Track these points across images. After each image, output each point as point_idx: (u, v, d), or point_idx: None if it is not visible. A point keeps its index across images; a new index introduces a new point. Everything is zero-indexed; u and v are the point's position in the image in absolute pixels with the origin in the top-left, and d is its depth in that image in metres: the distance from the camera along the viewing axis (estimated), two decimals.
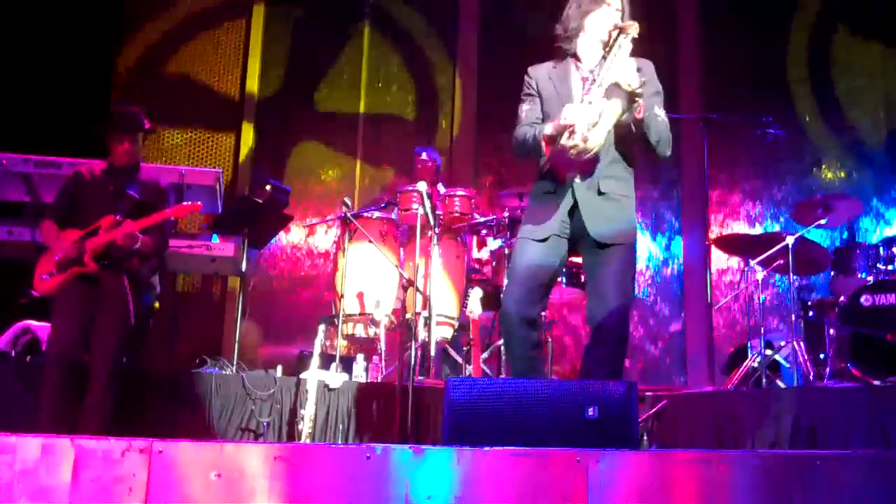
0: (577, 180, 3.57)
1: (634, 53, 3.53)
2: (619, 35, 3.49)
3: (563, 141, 3.39)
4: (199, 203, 4.76)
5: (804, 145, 7.70)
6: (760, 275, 5.69)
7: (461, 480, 2.37)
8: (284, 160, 8.18)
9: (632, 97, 3.37)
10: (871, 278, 5.38)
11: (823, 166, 7.75)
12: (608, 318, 3.53)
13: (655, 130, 3.52)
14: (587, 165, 3.53)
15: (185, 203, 4.76)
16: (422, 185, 5.28)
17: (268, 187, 5.82)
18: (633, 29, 3.50)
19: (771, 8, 7.80)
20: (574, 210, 3.59)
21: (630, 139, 3.58)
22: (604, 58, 3.52)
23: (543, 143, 3.53)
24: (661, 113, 3.57)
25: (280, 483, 2.38)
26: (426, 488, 2.36)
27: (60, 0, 7.41)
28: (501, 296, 3.74)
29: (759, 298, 5.70)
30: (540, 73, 3.77)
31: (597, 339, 3.58)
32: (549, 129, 3.51)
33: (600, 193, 3.58)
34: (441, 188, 6.22)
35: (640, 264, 7.99)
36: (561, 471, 2.36)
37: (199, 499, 2.37)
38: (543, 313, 4.64)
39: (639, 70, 3.46)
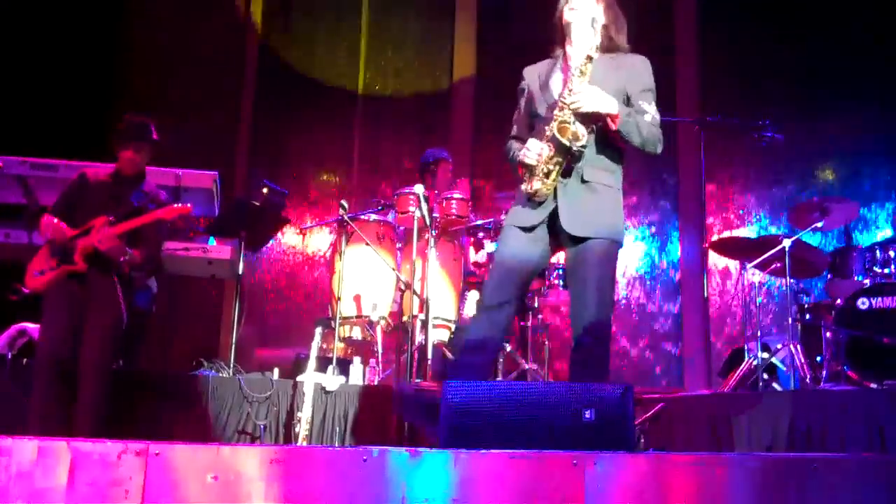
0: None
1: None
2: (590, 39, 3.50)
3: (523, 185, 3.53)
4: (188, 205, 4.71)
5: (801, 148, 7.70)
6: (757, 278, 5.69)
7: (458, 483, 2.37)
8: (281, 161, 8.19)
9: (575, 146, 3.44)
10: (867, 281, 5.39)
11: (820, 169, 7.76)
12: (586, 318, 3.48)
13: (638, 133, 3.51)
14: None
15: (175, 205, 4.71)
16: (418, 188, 5.28)
17: (265, 190, 5.82)
18: (584, 20, 3.52)
19: (768, 12, 7.81)
20: (556, 203, 3.53)
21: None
22: (578, 71, 3.50)
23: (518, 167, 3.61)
24: (649, 109, 3.56)
25: (276, 485, 2.38)
26: (423, 491, 2.36)
27: (61, 3, 7.41)
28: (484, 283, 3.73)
29: (755, 301, 5.70)
30: (531, 72, 3.78)
31: (577, 341, 3.52)
32: (520, 155, 3.55)
33: (583, 181, 3.52)
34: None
35: (636, 266, 8.00)
36: (558, 473, 2.36)
37: (195, 501, 2.37)
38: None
39: (613, 59, 3.56)
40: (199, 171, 6.28)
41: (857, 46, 7.54)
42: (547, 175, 3.46)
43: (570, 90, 3.46)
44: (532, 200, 3.56)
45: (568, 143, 3.41)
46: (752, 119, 6.06)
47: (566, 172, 3.51)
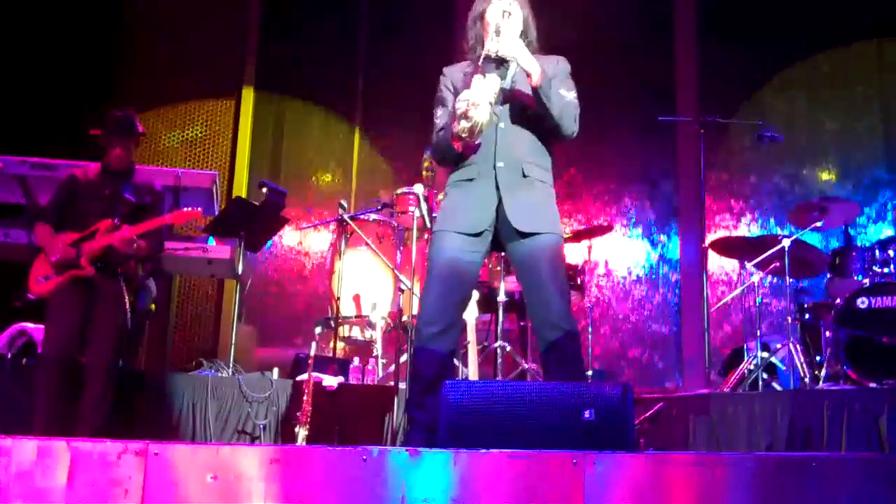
0: (500, 164, 3.49)
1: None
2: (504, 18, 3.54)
3: (462, 124, 3.36)
4: (199, 209, 4.76)
5: (800, 148, 7.70)
6: (757, 277, 5.69)
7: (458, 483, 2.37)
8: (281, 161, 8.19)
9: (501, 61, 3.45)
10: (867, 281, 5.39)
11: (819, 169, 7.76)
12: (552, 316, 3.43)
13: (557, 104, 3.49)
14: (509, 150, 3.52)
15: (184, 209, 4.76)
16: (418, 188, 5.28)
17: (264, 189, 5.82)
18: (514, 6, 3.56)
19: (767, 12, 7.81)
20: (499, 198, 3.48)
21: (541, 119, 3.53)
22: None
23: (454, 142, 3.49)
24: (567, 94, 3.56)
25: (276, 485, 2.38)
26: (422, 491, 2.36)
27: (59, 2, 7.41)
28: (419, 297, 3.56)
29: (755, 301, 5.70)
30: (454, 71, 3.74)
31: (547, 341, 3.45)
32: (455, 114, 3.44)
33: (524, 176, 3.50)
34: None
35: (635, 266, 8.00)
36: (557, 473, 2.36)
37: (195, 501, 2.37)
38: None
39: (538, 58, 3.51)
40: (198, 170, 6.29)
41: (856, 44, 7.55)
42: (482, 102, 3.35)
43: (499, 26, 3.48)
44: (470, 195, 3.51)
45: (494, 54, 3.43)
46: (751, 119, 6.06)
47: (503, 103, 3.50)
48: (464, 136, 3.37)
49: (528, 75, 3.47)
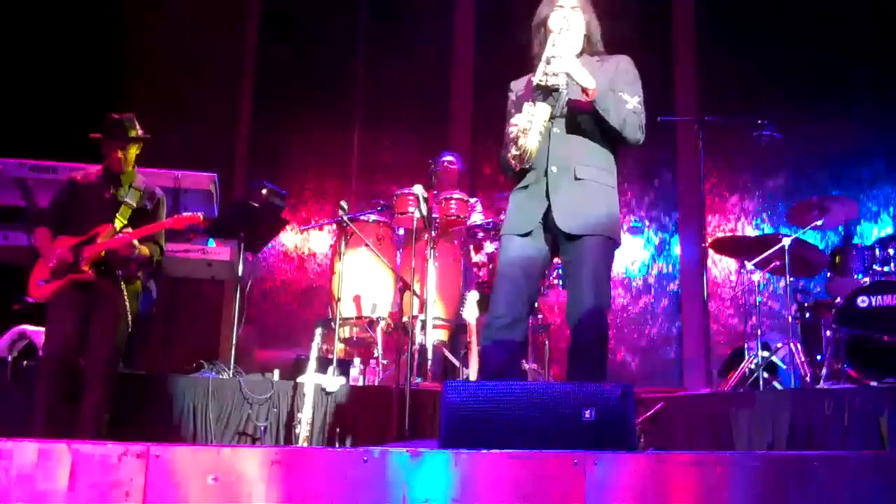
0: (553, 168, 3.53)
1: (621, 52, 3.63)
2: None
3: (513, 152, 3.47)
4: (199, 214, 4.75)
5: (800, 147, 7.70)
6: (757, 276, 5.69)
7: (459, 483, 2.37)
8: (281, 162, 8.18)
9: (549, 90, 3.46)
10: (867, 280, 5.39)
11: (819, 167, 7.75)
12: (584, 318, 3.47)
13: (616, 112, 3.52)
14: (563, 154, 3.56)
15: (185, 214, 4.76)
16: (418, 188, 5.28)
17: (264, 191, 5.81)
18: (572, 22, 3.59)
19: (766, 12, 7.81)
20: (549, 203, 3.53)
21: (600, 122, 3.55)
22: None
23: (511, 162, 3.55)
24: (630, 100, 3.59)
25: (277, 487, 2.38)
26: (424, 491, 2.36)
27: (60, 4, 7.41)
28: (491, 295, 3.67)
29: (755, 300, 5.70)
30: (520, 86, 3.78)
31: (575, 341, 3.52)
32: (510, 135, 3.53)
33: (576, 179, 3.53)
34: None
35: (636, 265, 8.00)
36: (558, 473, 2.36)
37: (196, 503, 2.37)
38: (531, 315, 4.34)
39: (599, 61, 3.61)
40: (198, 172, 6.28)
41: (855, 45, 7.54)
42: (532, 130, 3.44)
43: (553, 44, 3.48)
44: (525, 200, 3.59)
45: (544, 81, 3.43)
46: (750, 118, 6.05)
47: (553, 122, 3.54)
48: (513, 161, 3.50)
49: (584, 90, 3.49)
